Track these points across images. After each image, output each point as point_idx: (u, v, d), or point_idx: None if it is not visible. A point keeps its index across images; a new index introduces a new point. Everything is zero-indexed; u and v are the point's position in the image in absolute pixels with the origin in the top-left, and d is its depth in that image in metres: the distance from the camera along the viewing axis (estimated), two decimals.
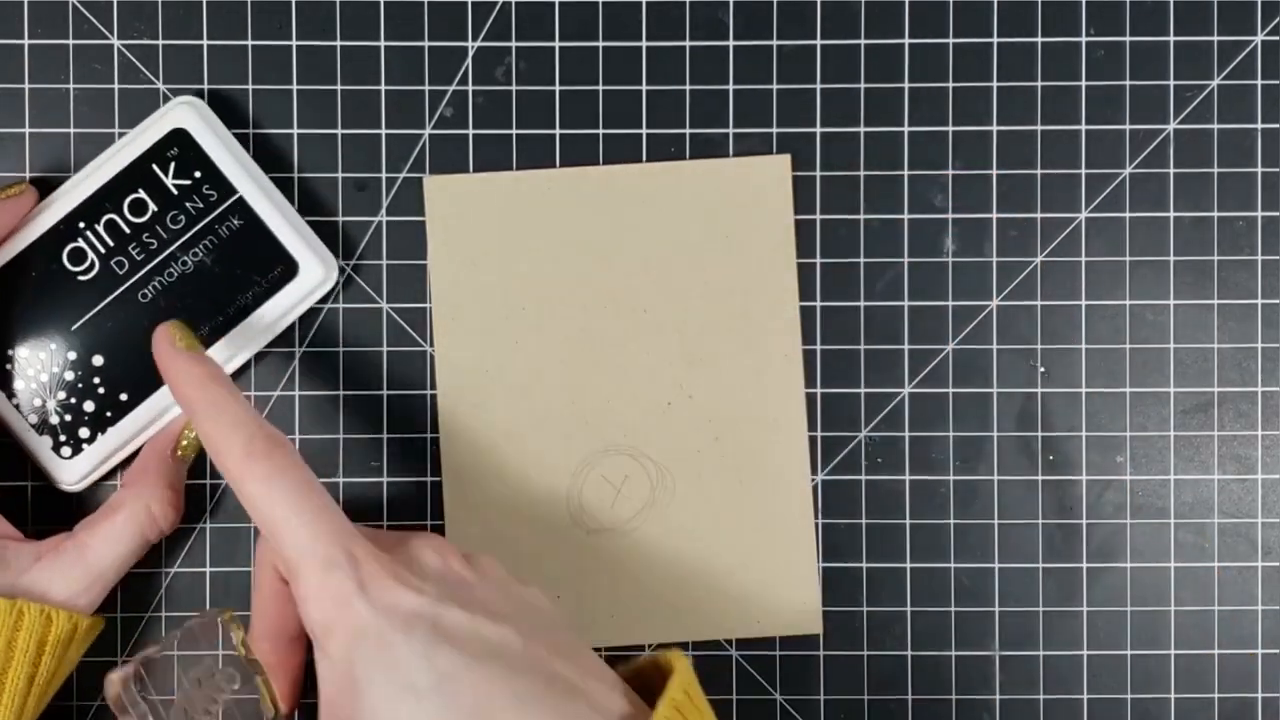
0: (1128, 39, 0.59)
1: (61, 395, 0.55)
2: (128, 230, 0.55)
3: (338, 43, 0.58)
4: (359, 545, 0.46)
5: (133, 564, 0.54)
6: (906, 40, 0.59)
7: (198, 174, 0.56)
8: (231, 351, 0.56)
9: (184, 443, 0.55)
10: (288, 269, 0.55)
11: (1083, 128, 0.59)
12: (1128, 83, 0.59)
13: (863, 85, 0.59)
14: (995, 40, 0.59)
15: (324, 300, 0.58)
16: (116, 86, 0.58)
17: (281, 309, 0.56)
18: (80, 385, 0.55)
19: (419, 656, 0.44)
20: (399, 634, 0.45)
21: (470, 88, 0.58)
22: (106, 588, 0.53)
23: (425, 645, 0.44)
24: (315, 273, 0.56)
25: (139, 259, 0.55)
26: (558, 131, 0.59)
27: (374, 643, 0.45)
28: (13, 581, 0.52)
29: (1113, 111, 0.59)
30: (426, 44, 0.58)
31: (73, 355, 0.55)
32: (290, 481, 0.47)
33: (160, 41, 0.58)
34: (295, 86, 0.58)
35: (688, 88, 0.59)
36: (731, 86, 0.59)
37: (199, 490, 0.58)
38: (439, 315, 0.58)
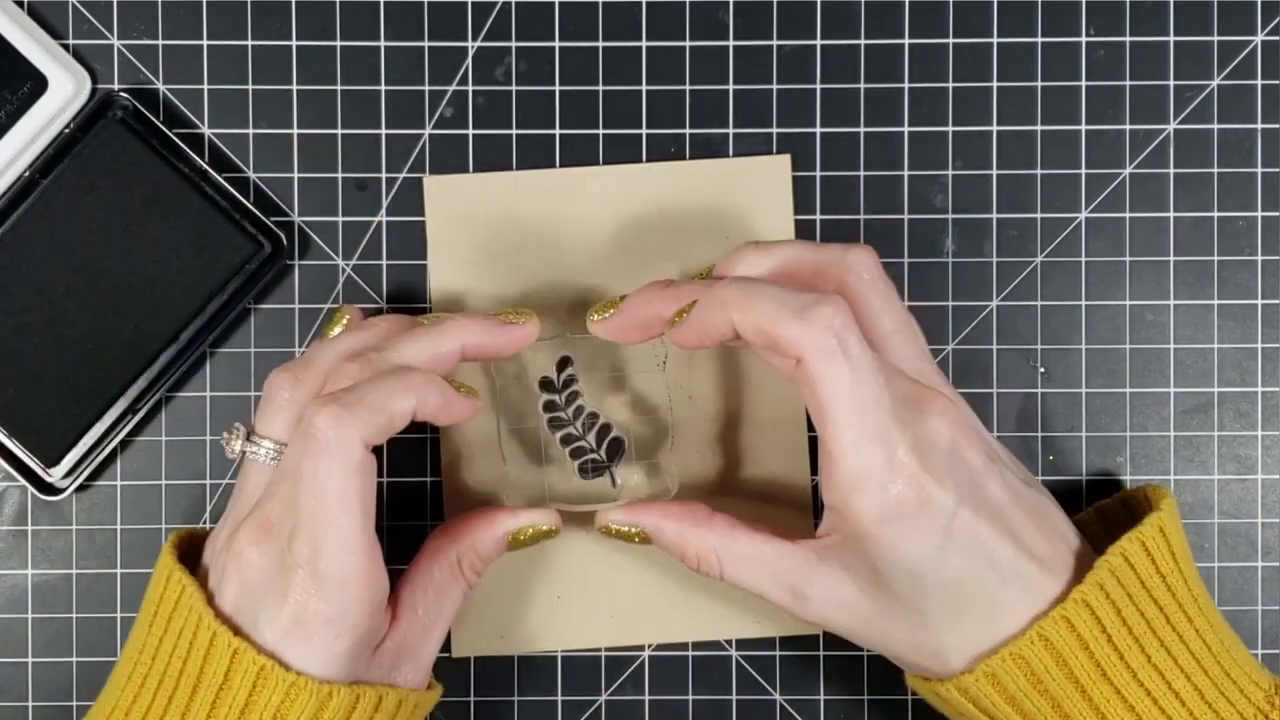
0: (1128, 39, 0.59)
1: None
2: None
3: (338, 43, 0.58)
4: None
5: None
6: (906, 40, 0.59)
7: None
8: None
9: (521, 536, 0.54)
10: (37, 85, 0.56)
11: (1083, 128, 0.59)
12: (1128, 83, 0.59)
13: (863, 85, 0.59)
14: (995, 40, 0.59)
15: (78, 119, 0.57)
16: (117, 86, 0.58)
17: (36, 126, 0.56)
18: None
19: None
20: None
21: (470, 88, 0.58)
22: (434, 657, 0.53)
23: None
24: (65, 87, 0.56)
25: None
26: (558, 131, 0.59)
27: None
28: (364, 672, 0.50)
29: (1113, 111, 0.59)
30: (426, 44, 0.58)
31: None
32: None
33: (160, 41, 0.58)
34: (295, 86, 0.58)
35: (688, 88, 0.59)
36: (731, 86, 0.59)
37: (200, 490, 0.58)
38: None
